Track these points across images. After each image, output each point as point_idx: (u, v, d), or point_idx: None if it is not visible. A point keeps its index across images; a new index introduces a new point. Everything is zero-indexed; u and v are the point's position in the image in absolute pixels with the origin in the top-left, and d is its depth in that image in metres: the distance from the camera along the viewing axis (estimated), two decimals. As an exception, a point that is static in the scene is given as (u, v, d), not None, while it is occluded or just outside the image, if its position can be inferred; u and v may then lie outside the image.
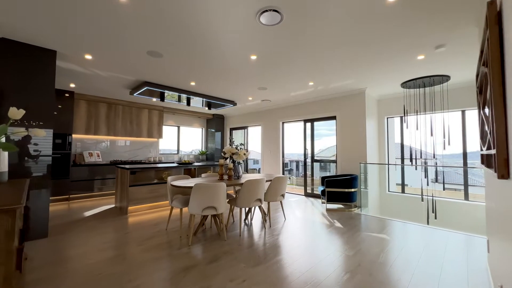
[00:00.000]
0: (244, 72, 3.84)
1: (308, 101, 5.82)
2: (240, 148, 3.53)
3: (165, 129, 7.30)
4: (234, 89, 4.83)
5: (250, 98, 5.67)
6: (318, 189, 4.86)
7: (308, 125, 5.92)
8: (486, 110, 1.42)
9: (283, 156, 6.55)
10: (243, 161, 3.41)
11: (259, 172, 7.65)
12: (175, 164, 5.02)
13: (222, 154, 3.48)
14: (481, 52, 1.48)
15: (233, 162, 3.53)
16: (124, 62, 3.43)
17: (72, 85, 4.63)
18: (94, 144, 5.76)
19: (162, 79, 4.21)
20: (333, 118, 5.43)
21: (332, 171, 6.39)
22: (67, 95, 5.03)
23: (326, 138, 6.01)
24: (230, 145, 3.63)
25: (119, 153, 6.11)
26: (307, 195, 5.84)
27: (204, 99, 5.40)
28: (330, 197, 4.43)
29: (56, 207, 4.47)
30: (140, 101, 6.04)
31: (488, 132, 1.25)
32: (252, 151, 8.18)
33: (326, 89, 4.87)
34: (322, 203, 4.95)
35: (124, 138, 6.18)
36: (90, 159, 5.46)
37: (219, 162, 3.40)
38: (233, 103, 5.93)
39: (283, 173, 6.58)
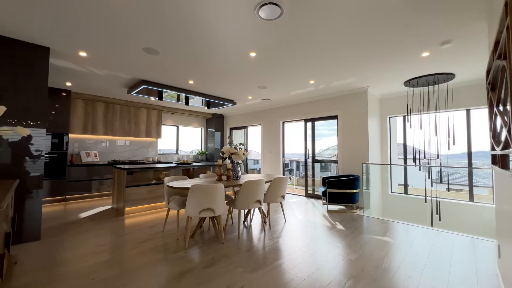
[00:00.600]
0: (244, 70, 3.74)
1: (309, 100, 5.72)
2: (239, 148, 3.43)
3: (164, 128, 7.21)
4: (234, 87, 4.74)
5: (250, 97, 5.57)
6: (319, 190, 4.76)
7: (309, 124, 5.82)
8: (501, 107, 1.32)
9: (283, 156, 6.46)
10: (243, 161, 3.31)
11: (259, 173, 7.55)
12: (173, 164, 4.93)
13: (221, 154, 3.39)
14: (495, 44, 1.38)
15: (232, 162, 3.44)
16: (120, 60, 3.34)
17: (69, 84, 4.54)
18: (92, 144, 5.67)
19: (160, 78, 4.12)
20: (335, 117, 5.33)
21: (333, 171, 6.29)
22: (64, 94, 4.95)
23: (326, 138, 5.92)
24: (229, 145, 3.54)
25: (117, 153, 6.03)
26: (307, 195, 5.74)
27: (203, 98, 5.31)
28: (332, 198, 4.33)
29: (51, 208, 4.39)
30: (138, 100, 5.95)
31: (506, 130, 1.14)
32: (252, 151, 8.08)
33: (327, 88, 4.77)
34: (323, 204, 4.84)
35: (122, 138, 6.09)
36: (87, 159, 5.37)
37: (217, 162, 3.30)
38: (233, 102, 5.84)
39: (284, 174, 6.48)
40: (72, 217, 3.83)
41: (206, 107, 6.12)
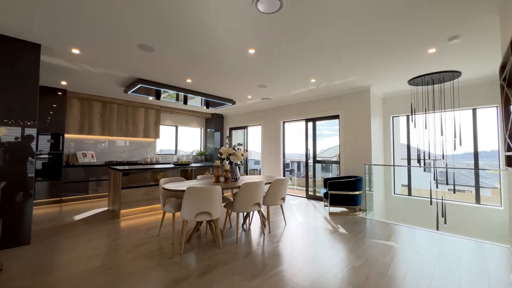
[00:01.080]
0: (243, 68, 3.63)
1: (310, 100, 5.61)
2: (238, 149, 3.32)
3: (163, 128, 7.10)
4: (233, 87, 4.62)
5: (250, 97, 5.46)
6: (321, 192, 4.63)
7: (310, 124, 5.70)
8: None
9: (283, 157, 6.34)
10: (242, 162, 3.20)
11: (260, 173, 7.44)
12: (171, 165, 4.82)
13: (219, 155, 3.27)
14: (515, 36, 1.25)
15: (230, 163, 3.32)
16: (114, 57, 3.23)
17: (64, 83, 4.44)
18: (88, 144, 5.56)
19: (157, 76, 4.01)
20: (336, 117, 5.21)
21: (334, 172, 6.17)
22: (60, 93, 4.85)
23: (328, 139, 5.80)
24: (228, 145, 3.43)
25: (115, 153, 5.92)
26: (308, 197, 5.62)
27: (202, 98, 5.19)
28: (333, 200, 4.21)
29: (46, 209, 4.28)
30: (136, 100, 5.85)
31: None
32: (253, 151, 7.97)
33: (329, 87, 4.65)
34: (325, 206, 4.72)
35: (120, 138, 5.98)
36: (84, 160, 5.27)
37: (215, 163, 3.19)
38: (232, 101, 5.72)
39: (284, 174, 6.36)
40: (66, 219, 3.73)
41: (205, 107, 6.01)
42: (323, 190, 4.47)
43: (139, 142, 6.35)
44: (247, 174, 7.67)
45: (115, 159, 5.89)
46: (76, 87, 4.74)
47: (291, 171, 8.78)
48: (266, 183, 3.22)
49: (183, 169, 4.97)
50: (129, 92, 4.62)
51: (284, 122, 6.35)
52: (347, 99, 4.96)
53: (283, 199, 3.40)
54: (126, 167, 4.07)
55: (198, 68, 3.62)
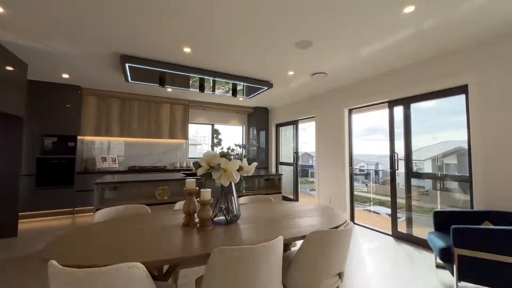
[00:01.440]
0: (253, -1, 1.86)
1: (398, 66, 3.24)
2: (235, 156, 1.59)
3: (198, 128, 6.07)
4: (256, 52, 2.88)
5: (291, 73, 3.56)
6: (434, 245, 2.31)
7: (398, 109, 3.34)
8: None
9: (351, 164, 4.09)
10: (242, 183, 1.42)
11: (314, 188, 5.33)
12: (180, 175, 3.51)
13: (195, 167, 1.62)
14: None
15: (222, 188, 1.61)
16: (54, 10, 2.08)
17: (66, 76, 3.79)
18: (108, 148, 4.91)
19: (142, 48, 2.73)
20: (458, 91, 2.70)
21: (427, 186, 3.51)
22: (79, 92, 4.33)
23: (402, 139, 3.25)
24: (242, 148, 1.76)
25: (138, 157, 5.14)
26: (396, 236, 3.25)
27: (215, 79, 3.57)
28: (469, 269, 1.86)
29: (48, 222, 3.70)
30: (159, 94, 4.91)
31: None
32: (313, 153, 5.96)
33: (443, 26, 2.25)
34: (438, 267, 2.36)
35: (141, 139, 5.13)
36: (103, 165, 4.65)
37: (186, 185, 1.57)
38: (268, 83, 3.96)
39: (352, 190, 4.08)
40: (42, 242, 2.90)
41: (231, 94, 4.43)
42: (440, 243, 2.13)
43: (167, 144, 5.43)
44: (296, 190, 5.64)
45: (139, 163, 5.12)
46: (80, 81, 4.04)
47: (367, 176, 6.14)
48: (287, 240, 1.36)
49: (199, 180, 3.56)
50: (129, 80, 3.59)
51: (350, 111, 4.13)
52: (487, 51, 2.41)
53: (340, 275, 1.43)
54: (98, 180, 2.97)
55: (188, 17, 2.08)
